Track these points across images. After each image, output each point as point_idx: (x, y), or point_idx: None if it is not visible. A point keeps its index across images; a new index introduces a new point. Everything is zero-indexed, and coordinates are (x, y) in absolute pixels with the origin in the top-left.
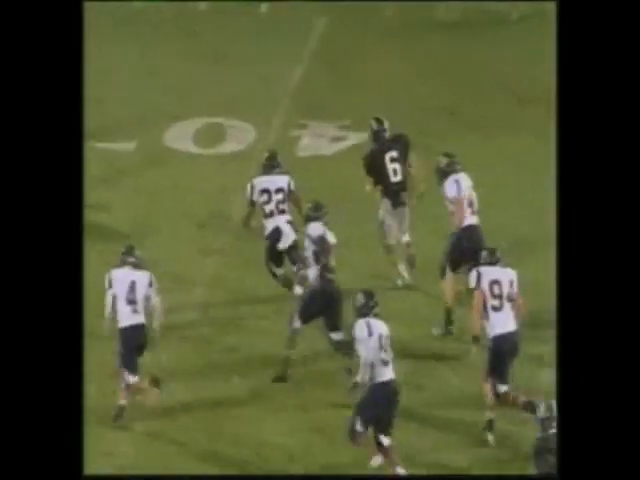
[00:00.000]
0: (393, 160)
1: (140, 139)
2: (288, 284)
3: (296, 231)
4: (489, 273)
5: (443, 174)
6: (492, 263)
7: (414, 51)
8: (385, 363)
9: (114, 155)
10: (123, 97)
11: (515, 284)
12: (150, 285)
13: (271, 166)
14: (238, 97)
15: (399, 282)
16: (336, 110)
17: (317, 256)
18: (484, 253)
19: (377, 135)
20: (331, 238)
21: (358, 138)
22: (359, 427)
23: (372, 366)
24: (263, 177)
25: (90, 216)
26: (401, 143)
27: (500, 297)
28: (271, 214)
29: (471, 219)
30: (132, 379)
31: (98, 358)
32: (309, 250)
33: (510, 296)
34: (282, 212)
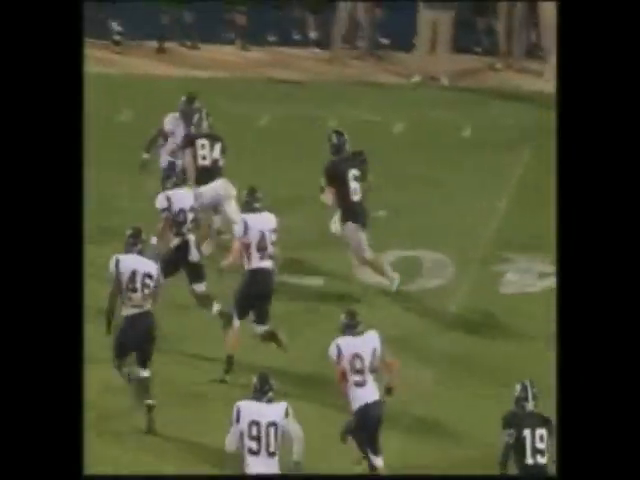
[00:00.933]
0: (355, 179)
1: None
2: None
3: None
4: (350, 346)
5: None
6: (352, 326)
7: None
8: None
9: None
10: None
11: (379, 349)
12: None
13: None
14: (434, 228)
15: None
16: (544, 243)
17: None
18: (342, 317)
19: (337, 148)
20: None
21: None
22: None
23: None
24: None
25: None
26: (361, 161)
27: (362, 372)
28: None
29: (262, 263)
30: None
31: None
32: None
33: (372, 367)
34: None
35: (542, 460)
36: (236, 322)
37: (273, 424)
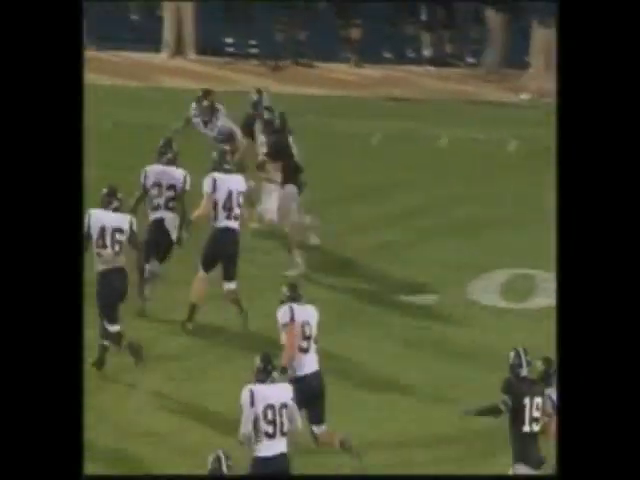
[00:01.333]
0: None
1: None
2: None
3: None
4: (301, 313)
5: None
6: (295, 299)
7: None
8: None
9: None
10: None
11: (315, 323)
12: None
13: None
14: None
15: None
16: None
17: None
18: (285, 289)
19: (256, 106)
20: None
21: None
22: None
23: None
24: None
25: None
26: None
27: (309, 339)
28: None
29: (228, 222)
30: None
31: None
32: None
33: (316, 338)
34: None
35: (536, 428)
36: (201, 273)
37: (284, 405)
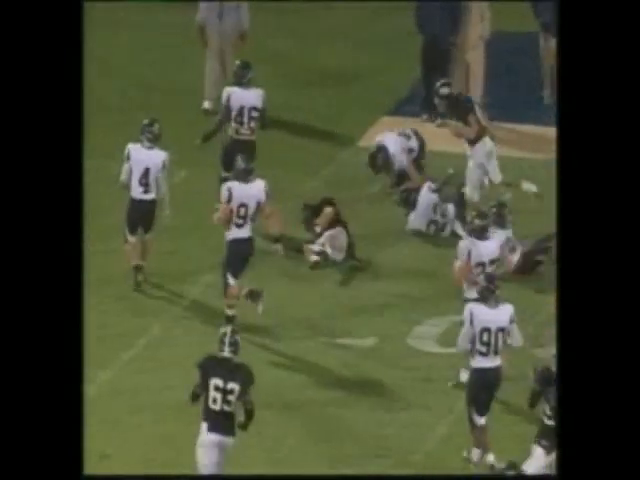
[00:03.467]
0: None
1: None
2: None
3: None
4: (239, 192)
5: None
6: (246, 172)
7: None
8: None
9: None
10: None
11: (263, 201)
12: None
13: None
14: None
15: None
16: None
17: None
18: (239, 160)
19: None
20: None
21: None
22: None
23: None
24: None
25: None
26: None
27: (245, 218)
28: None
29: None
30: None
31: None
32: None
33: (253, 216)
34: None
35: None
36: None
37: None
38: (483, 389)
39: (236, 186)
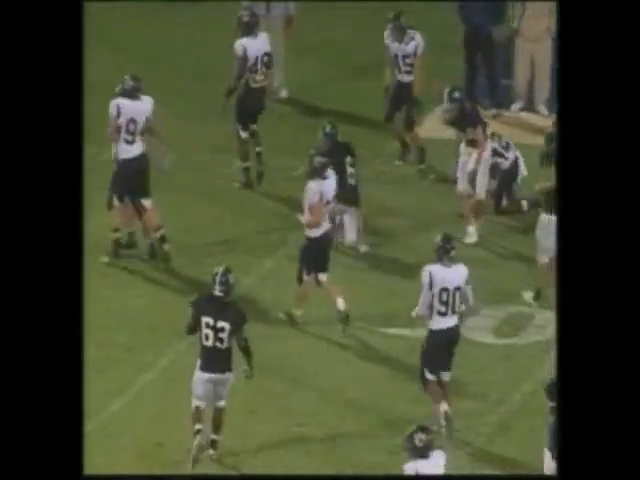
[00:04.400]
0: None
1: None
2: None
3: None
4: (128, 108)
5: None
6: (131, 96)
7: None
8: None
9: None
10: None
11: (150, 118)
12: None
13: None
14: None
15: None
16: None
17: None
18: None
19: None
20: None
21: None
22: (429, 375)
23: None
24: None
25: None
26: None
27: (134, 134)
28: None
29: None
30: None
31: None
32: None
33: (142, 129)
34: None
35: None
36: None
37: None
38: (444, 348)
39: (125, 102)
